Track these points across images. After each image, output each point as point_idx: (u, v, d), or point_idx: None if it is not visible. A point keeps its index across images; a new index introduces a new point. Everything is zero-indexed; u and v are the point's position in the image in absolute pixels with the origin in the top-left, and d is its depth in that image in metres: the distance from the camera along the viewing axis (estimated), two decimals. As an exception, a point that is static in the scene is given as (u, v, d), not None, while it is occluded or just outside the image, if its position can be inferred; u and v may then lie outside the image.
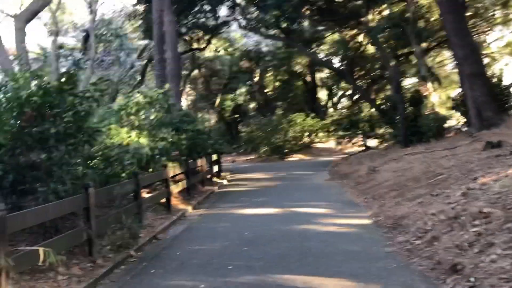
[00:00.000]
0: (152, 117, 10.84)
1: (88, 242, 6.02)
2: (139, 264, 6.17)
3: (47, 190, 5.68)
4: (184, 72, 35.66)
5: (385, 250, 6.12)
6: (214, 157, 17.05)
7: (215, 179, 16.55)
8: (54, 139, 6.21)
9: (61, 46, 23.77)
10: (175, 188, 10.80)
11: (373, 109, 25.87)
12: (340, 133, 24.58)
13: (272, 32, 25.42)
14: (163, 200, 10.12)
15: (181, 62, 33.30)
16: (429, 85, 17.21)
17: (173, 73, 16.75)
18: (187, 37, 31.59)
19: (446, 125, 17.58)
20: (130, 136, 10.02)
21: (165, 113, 11.91)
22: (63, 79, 6.30)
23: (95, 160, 8.00)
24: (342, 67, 25.83)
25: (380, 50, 20.92)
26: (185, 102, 40.63)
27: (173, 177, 11.20)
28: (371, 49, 35.12)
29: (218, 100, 33.15)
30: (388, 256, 5.82)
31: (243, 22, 25.01)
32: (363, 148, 23.00)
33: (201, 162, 13.94)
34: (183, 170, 11.85)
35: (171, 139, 10.54)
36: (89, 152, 7.28)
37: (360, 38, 32.77)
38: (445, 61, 36.41)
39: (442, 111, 17.41)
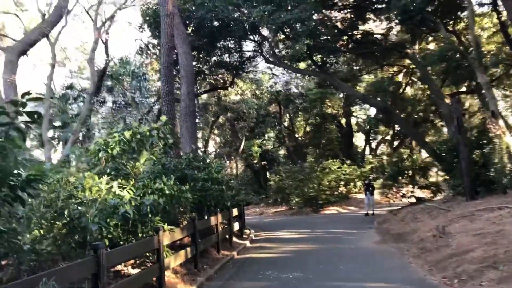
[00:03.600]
0: (142, 160, 8.01)
1: None
2: None
3: None
4: (211, 119, 33.44)
5: None
6: (235, 211, 14.02)
7: (235, 239, 13.37)
8: None
9: (70, 86, 21.86)
10: (173, 260, 7.73)
11: (422, 154, 22.46)
12: (384, 182, 21.11)
13: (303, 66, 22.62)
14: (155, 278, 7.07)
15: (205, 107, 31.20)
16: (501, 122, 13.83)
17: (187, 110, 14.08)
18: (211, 80, 29.48)
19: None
20: (111, 187, 7.17)
21: (164, 155, 9.06)
22: None
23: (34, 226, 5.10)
24: (386, 105, 22.45)
25: (430, 85, 17.87)
26: (212, 149, 38.20)
27: (172, 243, 8.17)
28: (410, 91, 32.28)
29: (242, 145, 30.34)
30: None
31: (271, 58, 22.35)
32: (413, 200, 19.41)
33: (215, 220, 10.88)
34: (188, 233, 8.81)
35: (168, 191, 7.57)
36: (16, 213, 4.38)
37: (400, 77, 30.06)
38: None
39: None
